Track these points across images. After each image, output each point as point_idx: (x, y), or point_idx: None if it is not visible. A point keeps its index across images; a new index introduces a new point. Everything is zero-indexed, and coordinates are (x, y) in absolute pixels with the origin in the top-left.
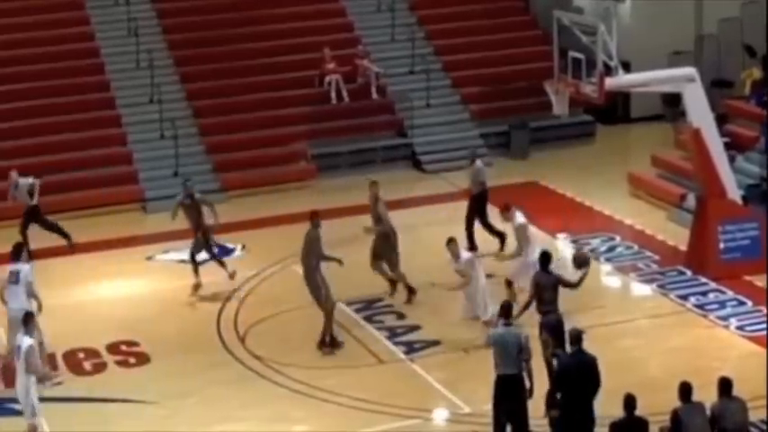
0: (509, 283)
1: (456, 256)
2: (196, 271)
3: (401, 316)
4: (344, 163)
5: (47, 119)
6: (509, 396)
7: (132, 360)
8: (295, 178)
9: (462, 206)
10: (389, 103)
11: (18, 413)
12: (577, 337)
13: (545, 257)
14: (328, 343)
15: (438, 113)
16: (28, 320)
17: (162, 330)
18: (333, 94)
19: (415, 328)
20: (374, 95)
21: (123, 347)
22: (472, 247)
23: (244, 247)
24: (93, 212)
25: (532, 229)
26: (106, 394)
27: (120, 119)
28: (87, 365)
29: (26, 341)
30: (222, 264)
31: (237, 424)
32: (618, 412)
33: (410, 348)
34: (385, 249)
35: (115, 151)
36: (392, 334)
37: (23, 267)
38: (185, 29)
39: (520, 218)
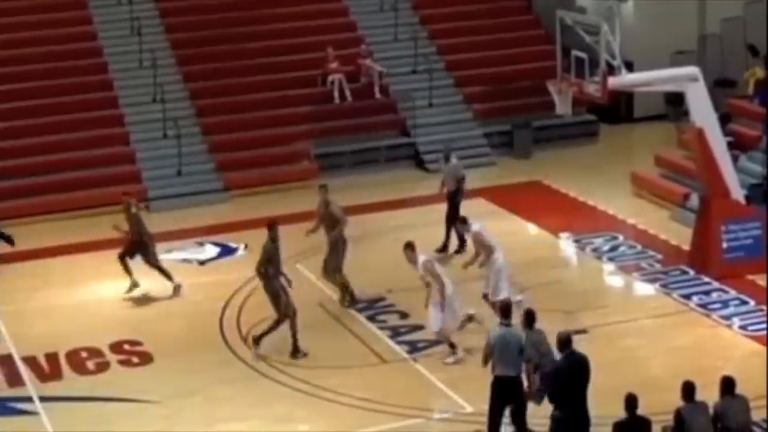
0: (486, 296)
1: (413, 262)
2: (168, 276)
3: (404, 315)
4: (347, 162)
5: (49, 118)
6: (508, 398)
7: (135, 359)
8: (297, 178)
9: (467, 206)
10: (392, 103)
11: (19, 412)
12: (567, 340)
13: (530, 317)
14: (294, 350)
15: (441, 113)
16: None
17: (165, 330)
18: (336, 94)
19: (417, 327)
20: (377, 95)
21: (126, 347)
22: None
23: (246, 246)
24: (96, 212)
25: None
26: (109, 393)
27: (123, 118)
28: (90, 365)
29: None
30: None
31: (240, 423)
32: (621, 412)
33: (413, 348)
34: (331, 254)
35: (118, 151)
36: (395, 333)
37: None
38: (188, 28)
39: (474, 226)
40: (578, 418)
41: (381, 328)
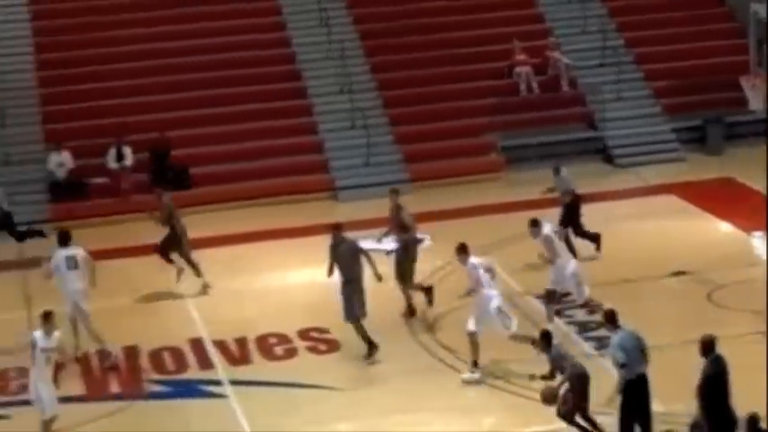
0: (552, 293)
1: (464, 263)
2: (198, 272)
3: (592, 311)
4: (534, 155)
5: (239, 107)
6: (645, 394)
7: (323, 347)
8: (483, 170)
9: (654, 202)
10: (580, 96)
11: (209, 395)
12: (711, 344)
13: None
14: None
15: (629, 107)
16: (45, 318)
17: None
18: (522, 86)
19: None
20: (564, 88)
21: (314, 334)
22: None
23: (432, 237)
24: (285, 200)
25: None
26: (296, 379)
27: (312, 108)
28: (279, 350)
29: (34, 335)
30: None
31: (422, 414)
32: None
33: (601, 344)
34: (402, 260)
35: (306, 140)
36: (583, 329)
37: (80, 251)
38: (376, 19)
39: (546, 229)
40: (727, 422)
41: (569, 323)
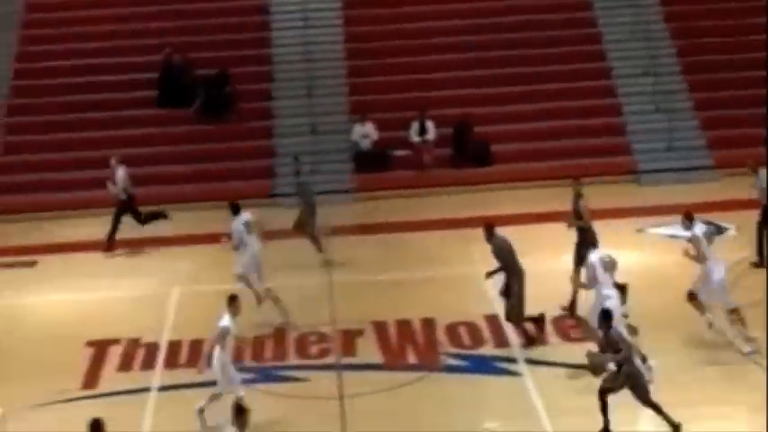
0: (692, 296)
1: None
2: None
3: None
4: None
5: (542, 86)
6: None
7: None
8: None
9: None
10: None
11: (503, 372)
12: None
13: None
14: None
15: None
16: (231, 301)
17: (647, 304)
18: None
19: None
20: None
21: None
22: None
23: (738, 228)
24: (585, 181)
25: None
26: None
27: (616, 89)
28: (575, 332)
29: (222, 322)
30: None
31: (722, 407)
32: None
33: None
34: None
35: (609, 122)
36: None
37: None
38: (684, 1)
39: (697, 229)
40: None
41: None
